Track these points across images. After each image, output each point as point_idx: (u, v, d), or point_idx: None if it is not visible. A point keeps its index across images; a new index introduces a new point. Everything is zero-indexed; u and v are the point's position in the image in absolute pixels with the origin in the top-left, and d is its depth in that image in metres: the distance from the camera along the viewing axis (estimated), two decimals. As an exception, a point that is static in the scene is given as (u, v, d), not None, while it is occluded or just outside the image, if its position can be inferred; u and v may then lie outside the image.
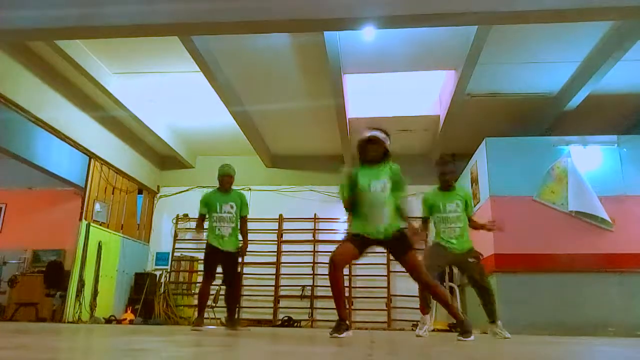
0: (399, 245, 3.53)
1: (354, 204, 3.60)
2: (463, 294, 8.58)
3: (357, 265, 9.09)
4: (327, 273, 3.48)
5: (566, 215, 6.71)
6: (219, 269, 5.11)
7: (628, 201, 6.69)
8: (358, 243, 3.54)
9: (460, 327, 3.59)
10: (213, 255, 5.03)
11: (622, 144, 6.99)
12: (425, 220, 4.65)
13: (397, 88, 7.78)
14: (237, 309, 5.39)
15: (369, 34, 5.97)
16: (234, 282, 5.23)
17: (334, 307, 3.49)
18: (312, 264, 9.17)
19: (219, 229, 5.04)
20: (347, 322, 3.47)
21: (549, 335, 5.79)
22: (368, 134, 3.59)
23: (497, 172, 7.07)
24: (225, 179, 5.20)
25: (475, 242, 7.59)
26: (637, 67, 6.59)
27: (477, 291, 4.45)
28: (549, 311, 6.34)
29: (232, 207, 5.13)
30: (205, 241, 5.08)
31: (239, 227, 5.18)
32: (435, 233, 4.63)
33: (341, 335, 3.31)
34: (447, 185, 4.60)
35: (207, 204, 5.14)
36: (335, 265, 3.45)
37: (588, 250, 6.49)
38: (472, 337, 3.49)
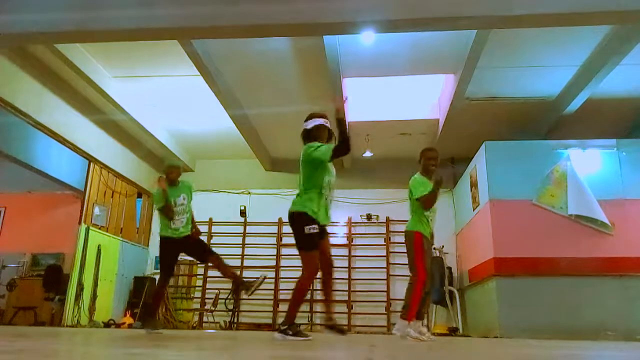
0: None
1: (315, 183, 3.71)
2: (462, 297, 8.58)
3: (357, 269, 9.10)
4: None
5: (565, 219, 6.72)
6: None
7: (627, 205, 6.69)
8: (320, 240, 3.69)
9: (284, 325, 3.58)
10: (171, 246, 4.89)
11: (621, 148, 7.00)
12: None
13: (396, 92, 7.80)
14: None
15: (368, 38, 5.99)
16: (210, 253, 4.98)
17: (333, 311, 3.56)
18: (311, 268, 9.14)
19: (174, 223, 4.89)
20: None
21: (548, 339, 5.78)
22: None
23: (497, 176, 7.08)
24: (172, 171, 5.06)
25: (475, 245, 7.61)
26: (635, 71, 6.60)
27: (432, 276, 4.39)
28: (548, 315, 6.34)
29: (184, 198, 5.02)
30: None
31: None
32: (416, 221, 4.32)
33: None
34: (432, 173, 4.38)
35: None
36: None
37: (587, 254, 6.50)
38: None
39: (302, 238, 3.61)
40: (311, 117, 3.93)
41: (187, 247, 4.99)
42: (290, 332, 3.46)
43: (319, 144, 3.74)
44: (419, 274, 4.15)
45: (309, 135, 3.86)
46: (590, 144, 7.06)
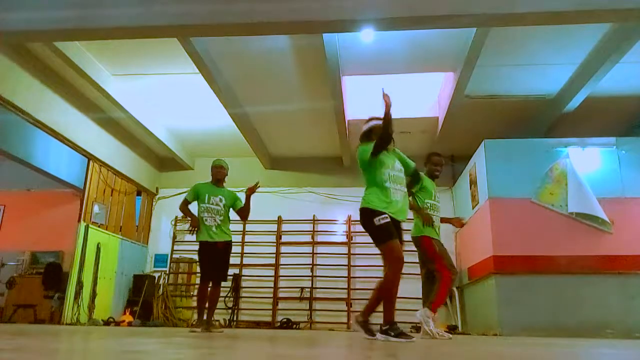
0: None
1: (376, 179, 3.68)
2: (462, 295, 8.58)
3: (356, 267, 9.08)
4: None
5: (565, 217, 6.72)
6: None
7: (627, 203, 6.70)
8: (395, 232, 3.57)
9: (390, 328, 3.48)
10: (206, 250, 4.99)
11: (621, 146, 7.00)
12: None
13: (396, 90, 7.77)
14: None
15: (367, 36, 5.99)
16: (219, 283, 5.10)
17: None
18: (311, 266, 9.16)
19: (206, 220, 5.02)
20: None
21: (547, 337, 5.79)
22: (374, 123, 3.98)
23: (496, 174, 7.08)
24: (217, 170, 5.23)
25: (475, 244, 7.60)
26: (635, 69, 6.60)
27: (428, 277, 4.56)
28: (547, 313, 6.34)
29: (221, 200, 5.13)
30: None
31: (228, 220, 5.18)
32: (420, 226, 4.61)
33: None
34: (435, 178, 4.78)
35: (197, 194, 5.14)
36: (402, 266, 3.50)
37: (587, 252, 6.50)
38: (412, 339, 3.45)
39: (375, 230, 3.52)
40: (369, 120, 4.06)
41: (217, 254, 5.02)
42: (393, 334, 3.40)
43: (365, 145, 3.80)
44: (443, 274, 4.37)
45: (366, 137, 3.96)
46: (589, 142, 7.06)
